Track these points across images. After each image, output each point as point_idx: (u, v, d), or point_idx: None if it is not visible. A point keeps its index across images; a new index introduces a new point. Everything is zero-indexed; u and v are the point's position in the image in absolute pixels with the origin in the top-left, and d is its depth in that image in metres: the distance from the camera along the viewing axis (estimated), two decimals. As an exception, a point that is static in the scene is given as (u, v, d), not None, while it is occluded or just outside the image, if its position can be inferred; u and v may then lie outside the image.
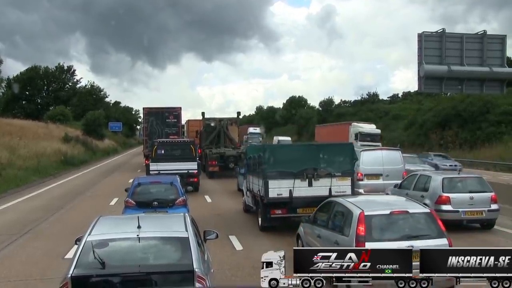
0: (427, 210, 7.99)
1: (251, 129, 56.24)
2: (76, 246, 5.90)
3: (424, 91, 35.83)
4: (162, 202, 11.67)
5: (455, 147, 43.64)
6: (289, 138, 54.41)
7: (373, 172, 16.72)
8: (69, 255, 10.01)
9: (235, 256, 10.40)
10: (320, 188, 12.30)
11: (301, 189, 12.30)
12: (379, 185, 16.20)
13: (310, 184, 12.37)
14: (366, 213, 7.57)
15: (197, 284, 5.17)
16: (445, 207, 12.46)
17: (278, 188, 12.32)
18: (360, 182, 16.40)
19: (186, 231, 5.83)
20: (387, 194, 14.28)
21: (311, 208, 11.44)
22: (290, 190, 12.27)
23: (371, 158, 16.92)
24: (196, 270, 5.22)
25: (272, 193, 12.31)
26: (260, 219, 13.21)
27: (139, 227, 5.74)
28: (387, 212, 7.68)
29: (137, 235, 5.62)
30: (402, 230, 7.60)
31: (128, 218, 7.25)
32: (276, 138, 53.69)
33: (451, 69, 24.33)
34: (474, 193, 12.71)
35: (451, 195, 12.58)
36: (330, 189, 12.27)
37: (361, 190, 16.03)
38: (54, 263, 9.94)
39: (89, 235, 5.74)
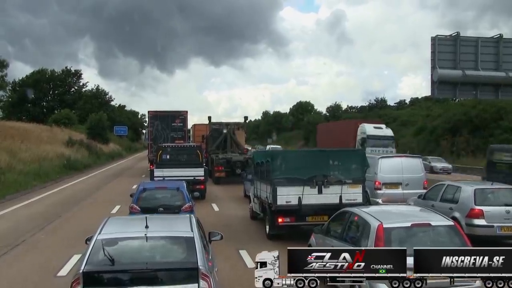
0: (450, 222, 7.50)
1: (369, 128, 30.74)
2: (83, 248, 6.04)
3: (437, 96, 34.72)
4: (167, 208, 11.35)
5: (467, 154, 42.52)
6: None
7: (392, 181, 15.70)
8: (62, 272, 9.19)
9: (247, 275, 9.37)
10: (330, 195, 11.95)
11: (311, 196, 11.92)
12: (398, 194, 15.24)
13: (320, 192, 11.98)
14: (385, 226, 7.14)
15: (201, 281, 5.40)
16: (478, 222, 11.34)
17: (287, 195, 11.95)
18: (378, 191, 15.46)
19: (192, 231, 6.10)
20: (410, 205, 13.23)
21: (320, 216, 11.38)
22: (299, 198, 11.88)
23: (390, 166, 15.90)
24: (200, 267, 5.46)
25: (281, 200, 11.94)
26: (267, 226, 12.79)
27: (147, 227, 5.97)
28: (408, 224, 7.25)
29: (145, 235, 5.86)
30: (423, 244, 6.98)
31: (136, 219, 7.52)
32: None
33: (466, 74, 23.45)
34: (510, 206, 11.60)
35: (484, 208, 11.45)
36: (340, 197, 11.91)
37: (379, 200, 15.08)
38: (45, 281, 9.04)
39: (99, 234, 5.99)
